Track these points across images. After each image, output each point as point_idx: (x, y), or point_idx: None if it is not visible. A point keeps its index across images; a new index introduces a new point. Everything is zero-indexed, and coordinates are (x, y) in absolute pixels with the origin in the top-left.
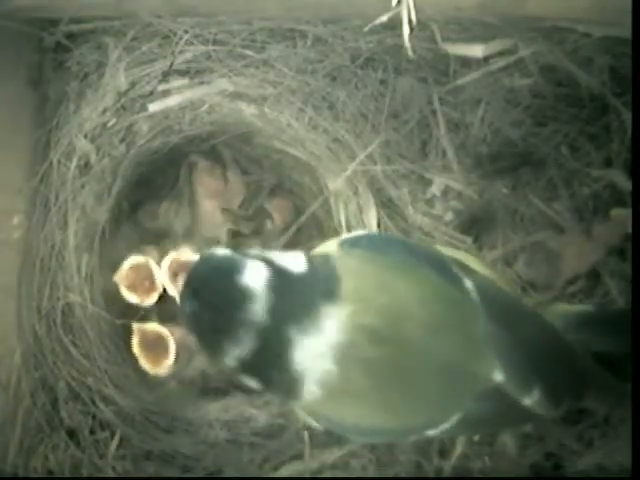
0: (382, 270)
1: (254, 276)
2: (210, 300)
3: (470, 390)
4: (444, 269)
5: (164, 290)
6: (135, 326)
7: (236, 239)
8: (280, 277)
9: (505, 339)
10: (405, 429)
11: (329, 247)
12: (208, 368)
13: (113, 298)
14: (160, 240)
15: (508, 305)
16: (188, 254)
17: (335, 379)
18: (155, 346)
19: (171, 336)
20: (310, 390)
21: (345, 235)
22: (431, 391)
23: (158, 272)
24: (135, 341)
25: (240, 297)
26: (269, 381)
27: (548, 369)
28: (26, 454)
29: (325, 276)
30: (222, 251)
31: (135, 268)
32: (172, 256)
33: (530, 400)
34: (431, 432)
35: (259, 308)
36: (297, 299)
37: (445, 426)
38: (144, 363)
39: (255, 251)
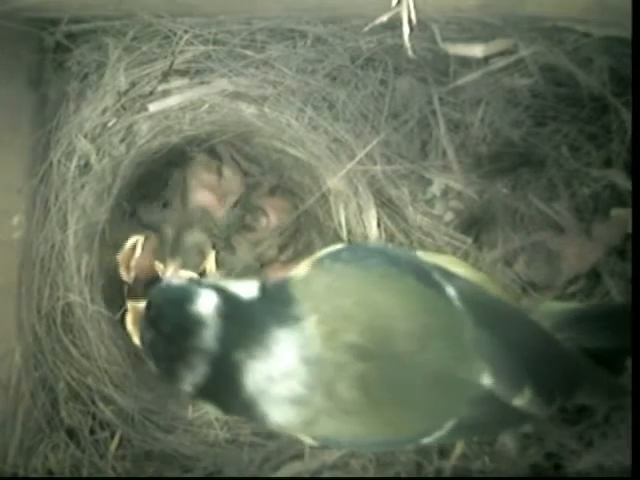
0: (365, 285)
1: (204, 304)
2: (164, 329)
3: (462, 396)
4: (426, 277)
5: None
6: (129, 304)
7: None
8: (230, 304)
9: (491, 343)
10: (401, 439)
11: (303, 268)
12: None
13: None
14: (155, 230)
15: (492, 308)
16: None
17: (314, 398)
18: None
19: None
20: (282, 411)
21: (325, 250)
22: (424, 400)
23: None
24: (129, 319)
25: (191, 325)
26: (225, 406)
27: (537, 368)
28: (26, 454)
29: (281, 300)
30: (177, 280)
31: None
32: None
33: (521, 401)
34: (426, 440)
35: (209, 335)
36: (246, 325)
37: (439, 434)
38: (137, 340)
39: (211, 279)
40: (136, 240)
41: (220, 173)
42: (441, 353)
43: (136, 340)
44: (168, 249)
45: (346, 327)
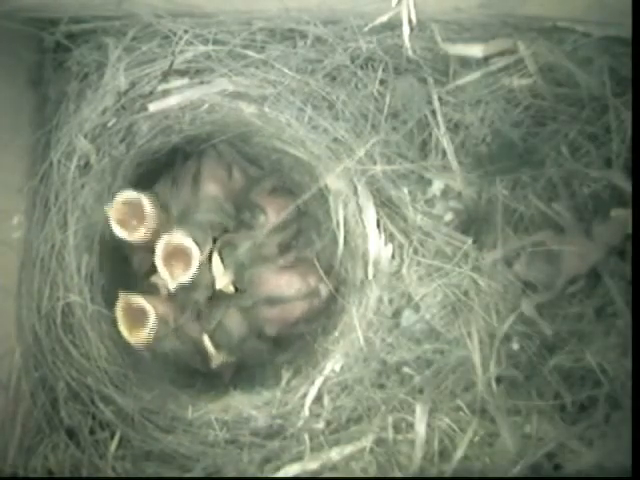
0: None
1: None
2: None
3: None
4: None
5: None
6: (121, 295)
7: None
8: None
9: None
10: None
11: None
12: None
13: None
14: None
15: None
16: (181, 238)
17: None
18: (136, 317)
19: (153, 310)
20: None
21: None
22: None
23: (149, 208)
24: (118, 307)
25: None
26: None
27: None
28: (26, 454)
29: None
30: None
31: (127, 203)
32: (166, 239)
33: None
34: None
35: None
36: None
37: None
38: (123, 330)
39: None
40: (137, 196)
41: (230, 171)
42: None
43: (121, 329)
44: (175, 220)
45: None
